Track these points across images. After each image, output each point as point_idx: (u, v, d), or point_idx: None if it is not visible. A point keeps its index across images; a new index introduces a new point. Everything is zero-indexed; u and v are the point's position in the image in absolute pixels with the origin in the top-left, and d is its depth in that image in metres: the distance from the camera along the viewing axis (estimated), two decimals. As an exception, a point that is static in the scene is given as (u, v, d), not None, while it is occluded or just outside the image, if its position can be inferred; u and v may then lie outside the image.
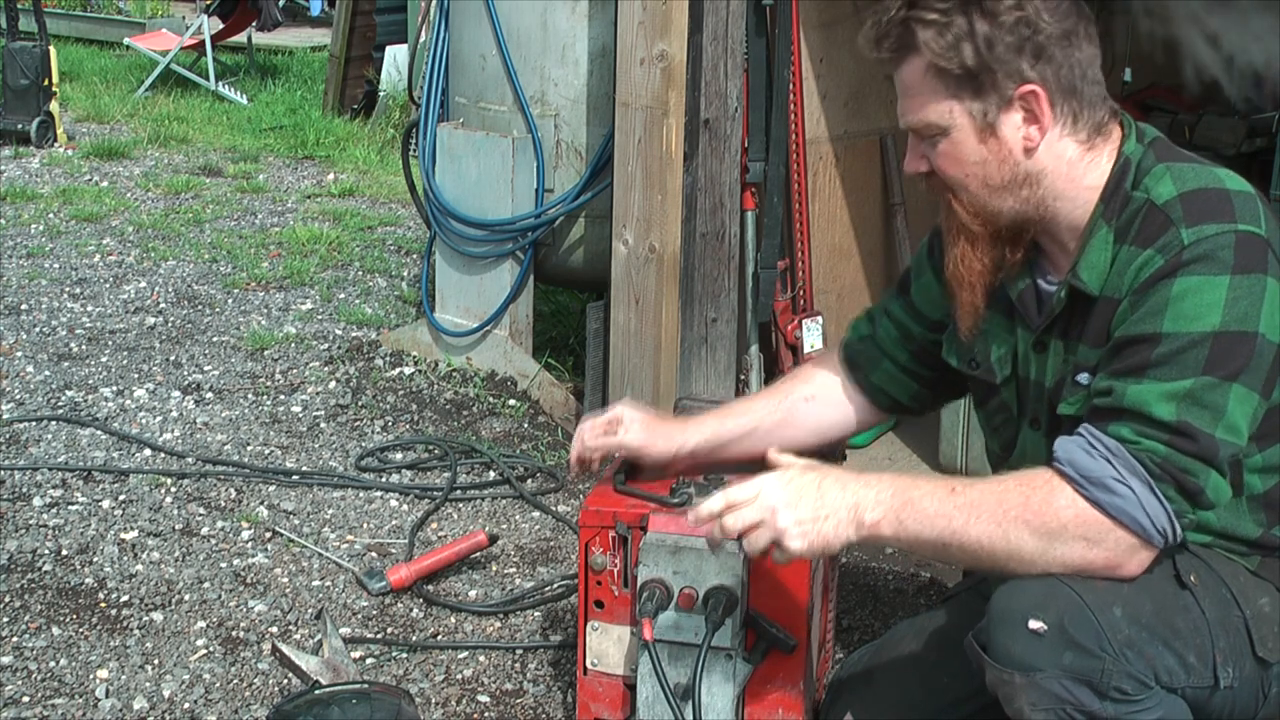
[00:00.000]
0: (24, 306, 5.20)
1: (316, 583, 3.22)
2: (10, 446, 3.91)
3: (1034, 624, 1.85)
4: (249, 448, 3.99)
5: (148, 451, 3.94)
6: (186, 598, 3.12)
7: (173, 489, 3.69)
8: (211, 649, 2.91)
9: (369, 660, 2.89)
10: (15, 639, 2.91)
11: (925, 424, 3.75)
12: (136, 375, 4.54)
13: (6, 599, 3.07)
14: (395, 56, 8.85)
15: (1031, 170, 1.96)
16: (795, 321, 3.88)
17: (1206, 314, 1.81)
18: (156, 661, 2.85)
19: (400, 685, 2.77)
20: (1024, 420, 2.13)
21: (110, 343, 4.84)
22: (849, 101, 4.26)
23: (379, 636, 2.98)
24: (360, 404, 4.35)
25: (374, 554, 3.38)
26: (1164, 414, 1.81)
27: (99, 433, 4.03)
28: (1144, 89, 5.34)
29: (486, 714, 2.72)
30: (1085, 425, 1.88)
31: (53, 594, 3.11)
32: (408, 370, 4.61)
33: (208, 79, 10.16)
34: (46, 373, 4.52)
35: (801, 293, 3.93)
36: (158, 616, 3.03)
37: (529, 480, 3.86)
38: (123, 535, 3.41)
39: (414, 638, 2.99)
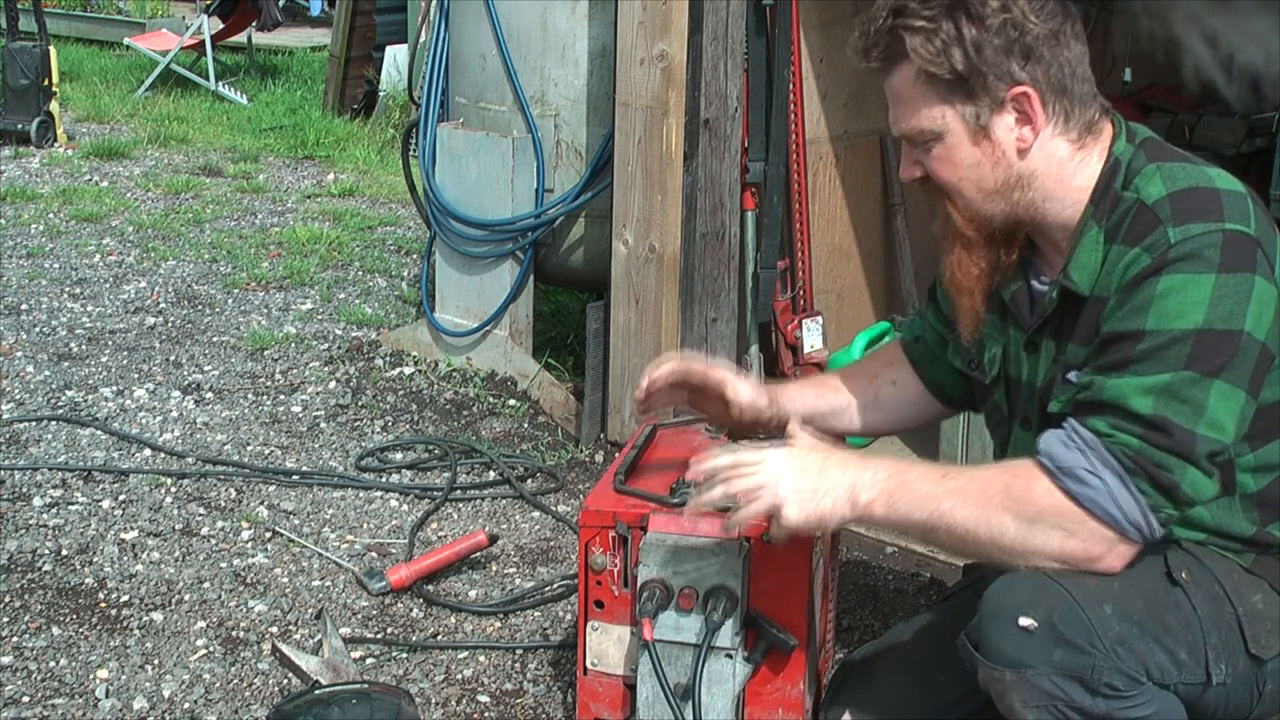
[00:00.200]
0: (24, 306, 5.20)
1: (316, 583, 3.22)
2: (10, 446, 3.91)
3: (1024, 621, 1.86)
4: (249, 448, 3.99)
5: (148, 451, 3.94)
6: (186, 598, 3.12)
7: (173, 489, 3.69)
8: (211, 649, 2.91)
9: (369, 660, 2.89)
10: (15, 639, 2.91)
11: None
12: (136, 375, 4.54)
13: (6, 599, 3.07)
14: (395, 56, 8.85)
15: (1024, 172, 1.97)
16: (795, 321, 3.88)
17: (1190, 311, 1.82)
18: (156, 661, 2.86)
19: (400, 685, 2.77)
20: (1014, 421, 2.16)
21: (110, 343, 4.84)
22: (849, 101, 4.26)
23: (379, 636, 2.98)
24: (360, 404, 4.35)
25: (374, 554, 3.38)
26: (1140, 408, 1.82)
27: (99, 433, 4.03)
28: (1144, 89, 5.34)
29: (486, 714, 2.72)
30: (1067, 419, 1.90)
31: (53, 594, 3.11)
32: (408, 370, 4.61)
33: (208, 79, 10.16)
34: (46, 373, 4.52)
35: (801, 293, 3.93)
36: (158, 616, 3.04)
37: (529, 480, 3.86)
38: (123, 535, 3.41)
39: (414, 638, 2.99)
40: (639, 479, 2.40)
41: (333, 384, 4.51)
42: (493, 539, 3.27)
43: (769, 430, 2.39)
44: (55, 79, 8.19)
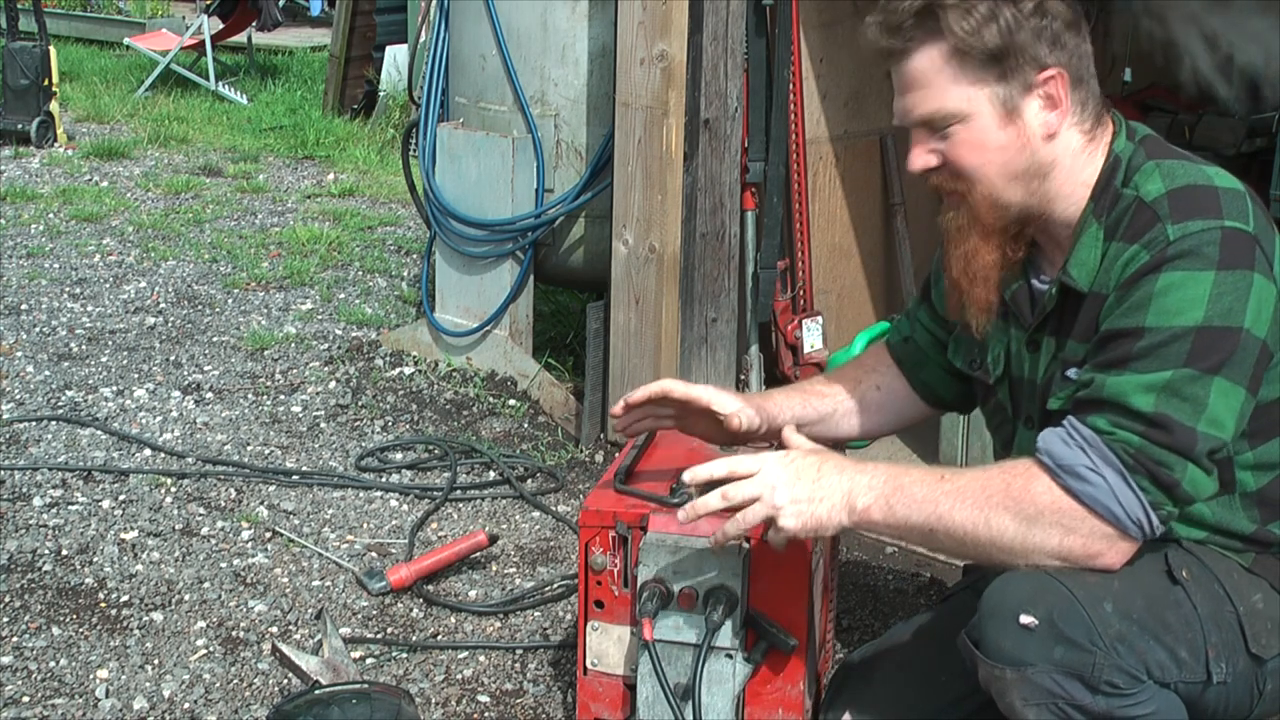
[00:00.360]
0: (24, 306, 5.20)
1: (316, 583, 3.22)
2: (10, 446, 3.91)
3: (1025, 619, 1.86)
4: (249, 448, 4.00)
5: (148, 451, 3.94)
6: (186, 598, 3.12)
7: (173, 489, 3.69)
8: (211, 649, 2.91)
9: (369, 660, 2.89)
10: (15, 639, 2.91)
11: (925, 423, 3.74)
12: (136, 375, 4.54)
13: (6, 599, 3.07)
14: (395, 56, 8.85)
15: (1045, 159, 1.98)
16: (795, 321, 3.88)
17: (1190, 308, 1.82)
18: (156, 661, 2.86)
19: (400, 685, 2.77)
20: (1018, 420, 2.16)
21: (110, 343, 4.85)
22: (849, 101, 4.26)
23: (379, 636, 2.98)
24: (360, 404, 4.35)
25: (374, 554, 3.38)
26: (1142, 405, 1.82)
27: (99, 433, 4.03)
28: (1144, 89, 5.34)
29: (486, 714, 2.72)
30: (1067, 417, 1.90)
31: (53, 594, 3.11)
32: (408, 370, 4.61)
33: (208, 79, 10.16)
34: (46, 373, 4.52)
35: (801, 293, 3.94)
36: (158, 616, 3.04)
37: (529, 480, 3.86)
38: (123, 535, 3.41)
39: (414, 638, 2.99)
40: (639, 479, 2.40)
41: (333, 384, 4.52)
42: (493, 539, 3.27)
43: (761, 440, 2.38)
44: (55, 79, 8.19)
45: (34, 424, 4.07)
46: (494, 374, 4.46)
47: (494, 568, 3.33)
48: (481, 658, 2.92)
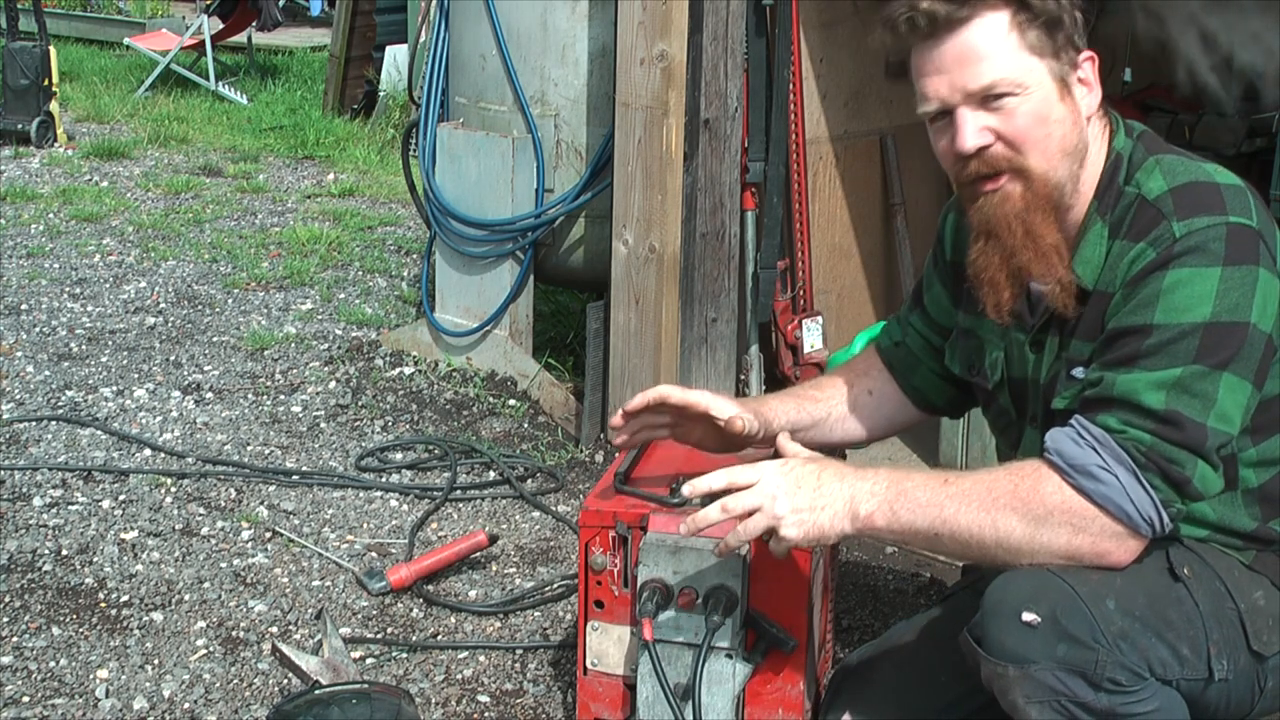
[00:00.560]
0: (24, 306, 5.20)
1: (316, 583, 3.22)
2: (10, 446, 3.91)
3: (1027, 616, 1.86)
4: (249, 448, 3.99)
5: (148, 451, 3.94)
6: (186, 598, 3.12)
7: (173, 489, 3.69)
8: (211, 649, 2.91)
9: (369, 660, 2.89)
10: (15, 639, 2.91)
11: (925, 423, 3.74)
12: (136, 375, 4.54)
13: (6, 599, 3.07)
14: (395, 56, 8.85)
15: (1084, 142, 1.98)
16: (795, 321, 3.88)
17: (1197, 305, 1.83)
18: (156, 661, 2.86)
19: (400, 685, 2.77)
20: (1025, 421, 2.15)
21: (110, 343, 4.85)
22: (849, 101, 4.26)
23: (379, 636, 2.98)
24: (360, 404, 4.35)
25: (374, 554, 3.38)
26: (1153, 403, 1.82)
27: (99, 433, 4.03)
28: (1144, 89, 5.34)
29: (486, 714, 2.72)
30: (1076, 416, 1.90)
31: (53, 594, 3.11)
32: (408, 370, 4.61)
33: (208, 79, 10.16)
34: (46, 373, 4.52)
35: (801, 293, 3.94)
36: (158, 616, 3.04)
37: (529, 480, 3.86)
38: (123, 535, 3.41)
39: (414, 638, 2.99)
40: (639, 479, 2.40)
41: (333, 384, 4.51)
42: (493, 539, 3.27)
43: (759, 445, 2.38)
44: (55, 79, 8.19)
45: (34, 424, 4.07)
46: (494, 374, 4.46)
47: (494, 568, 3.33)
48: (481, 658, 2.92)
